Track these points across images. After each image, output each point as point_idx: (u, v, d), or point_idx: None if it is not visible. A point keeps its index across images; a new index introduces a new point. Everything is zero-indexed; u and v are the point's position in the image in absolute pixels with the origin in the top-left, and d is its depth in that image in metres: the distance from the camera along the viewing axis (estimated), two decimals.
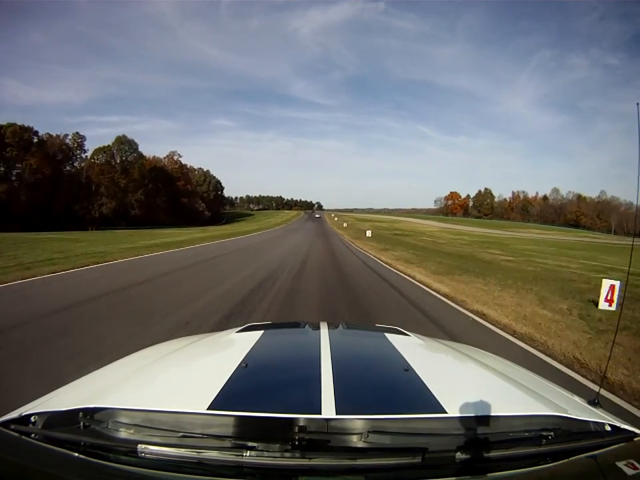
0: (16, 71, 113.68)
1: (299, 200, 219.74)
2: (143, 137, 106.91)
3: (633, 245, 1.43)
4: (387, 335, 1.47)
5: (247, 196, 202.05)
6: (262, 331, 1.47)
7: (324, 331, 1.40)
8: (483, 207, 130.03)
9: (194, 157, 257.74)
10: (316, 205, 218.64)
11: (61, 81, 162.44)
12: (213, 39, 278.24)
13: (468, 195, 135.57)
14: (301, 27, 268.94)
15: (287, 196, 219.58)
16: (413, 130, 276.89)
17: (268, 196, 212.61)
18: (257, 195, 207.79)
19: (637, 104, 1.07)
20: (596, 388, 1.20)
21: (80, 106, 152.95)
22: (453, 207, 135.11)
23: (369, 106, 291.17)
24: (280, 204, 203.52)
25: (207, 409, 0.79)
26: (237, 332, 1.54)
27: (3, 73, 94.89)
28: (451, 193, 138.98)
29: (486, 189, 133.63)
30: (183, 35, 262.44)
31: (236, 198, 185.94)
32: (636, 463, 0.71)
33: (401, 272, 10.65)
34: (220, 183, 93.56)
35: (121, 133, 68.65)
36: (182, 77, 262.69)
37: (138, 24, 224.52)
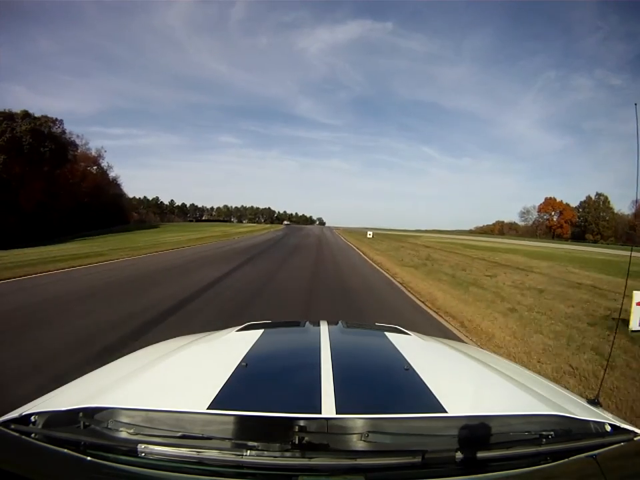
0: (21, 78, 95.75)
1: (294, 214, 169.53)
2: (145, 149, 69.56)
3: (631, 251, 1.39)
4: (387, 334, 1.46)
5: (226, 206, 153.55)
6: (262, 330, 1.46)
7: (324, 330, 1.39)
8: (599, 225, 74.86)
9: (194, 170, 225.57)
10: (317, 222, 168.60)
11: (64, 90, 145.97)
12: (220, 57, 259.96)
13: (568, 204, 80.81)
14: (308, 46, 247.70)
15: (280, 209, 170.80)
16: (418, 152, 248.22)
17: (253, 207, 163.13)
18: (239, 206, 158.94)
19: (635, 104, 1.09)
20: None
21: (82, 116, 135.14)
22: (553, 224, 79.82)
23: (374, 126, 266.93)
24: (270, 217, 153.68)
25: (207, 408, 0.79)
26: (237, 331, 1.53)
27: (9, 79, 76.96)
28: (546, 200, 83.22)
29: (599, 194, 78.42)
30: (192, 51, 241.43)
31: (212, 208, 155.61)
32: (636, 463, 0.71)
33: None
34: (71, 146, 40.57)
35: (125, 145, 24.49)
36: (187, 92, 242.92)
37: (150, 40, 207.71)
